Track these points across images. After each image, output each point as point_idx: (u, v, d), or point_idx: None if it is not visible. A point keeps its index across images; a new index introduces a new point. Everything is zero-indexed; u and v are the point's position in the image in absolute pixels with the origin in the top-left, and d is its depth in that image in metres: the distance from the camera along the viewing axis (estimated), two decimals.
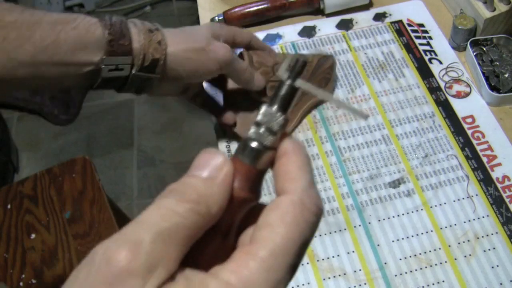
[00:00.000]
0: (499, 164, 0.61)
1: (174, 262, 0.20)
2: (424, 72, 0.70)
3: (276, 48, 0.74)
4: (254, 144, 0.23)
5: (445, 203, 0.58)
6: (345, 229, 0.57)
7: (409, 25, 0.75)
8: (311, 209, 0.22)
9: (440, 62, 0.71)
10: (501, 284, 0.52)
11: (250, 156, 0.23)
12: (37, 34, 0.44)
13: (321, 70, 0.66)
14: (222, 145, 0.66)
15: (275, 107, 0.24)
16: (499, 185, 0.59)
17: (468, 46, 0.68)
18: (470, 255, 0.55)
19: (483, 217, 0.57)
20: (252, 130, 0.23)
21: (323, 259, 0.56)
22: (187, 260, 0.21)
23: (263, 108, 0.24)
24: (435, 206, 0.58)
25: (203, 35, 0.54)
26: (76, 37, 0.46)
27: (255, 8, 0.76)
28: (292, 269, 0.21)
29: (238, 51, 0.63)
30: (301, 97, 0.66)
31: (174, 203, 0.20)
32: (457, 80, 0.69)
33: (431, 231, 0.56)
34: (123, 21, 0.50)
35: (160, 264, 0.19)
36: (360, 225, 0.58)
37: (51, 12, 0.47)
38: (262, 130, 0.23)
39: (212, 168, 0.22)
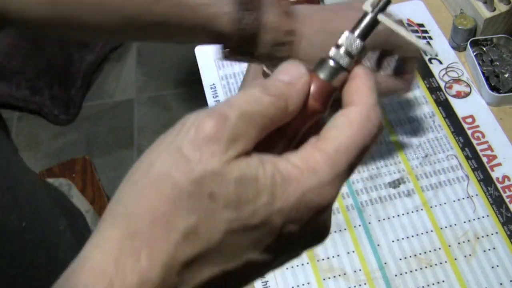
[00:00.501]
0: (499, 164, 0.61)
1: (252, 142, 0.23)
2: (424, 72, 0.70)
3: None
4: (332, 63, 0.25)
5: (445, 203, 0.58)
6: (345, 229, 0.57)
7: (409, 25, 0.75)
8: (375, 122, 0.24)
9: (440, 62, 0.71)
10: (501, 284, 0.52)
11: (327, 72, 0.25)
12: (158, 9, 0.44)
13: None
14: None
15: (356, 34, 0.26)
16: (499, 185, 0.59)
17: (468, 46, 0.68)
18: (470, 255, 0.55)
19: (483, 217, 0.57)
20: (333, 51, 0.25)
21: (323, 259, 0.56)
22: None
23: (346, 33, 0.26)
24: (435, 206, 0.58)
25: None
26: (199, 23, 0.45)
27: None
28: (351, 168, 0.24)
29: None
30: None
31: (259, 94, 0.23)
32: (457, 80, 0.69)
33: (431, 231, 0.56)
34: (257, 27, 0.45)
35: (241, 139, 0.22)
36: (360, 225, 0.58)
37: None
38: (341, 51, 0.25)
39: (293, 75, 0.25)
